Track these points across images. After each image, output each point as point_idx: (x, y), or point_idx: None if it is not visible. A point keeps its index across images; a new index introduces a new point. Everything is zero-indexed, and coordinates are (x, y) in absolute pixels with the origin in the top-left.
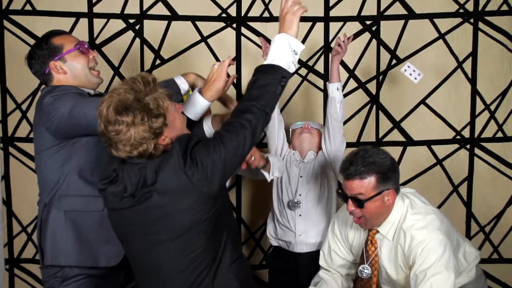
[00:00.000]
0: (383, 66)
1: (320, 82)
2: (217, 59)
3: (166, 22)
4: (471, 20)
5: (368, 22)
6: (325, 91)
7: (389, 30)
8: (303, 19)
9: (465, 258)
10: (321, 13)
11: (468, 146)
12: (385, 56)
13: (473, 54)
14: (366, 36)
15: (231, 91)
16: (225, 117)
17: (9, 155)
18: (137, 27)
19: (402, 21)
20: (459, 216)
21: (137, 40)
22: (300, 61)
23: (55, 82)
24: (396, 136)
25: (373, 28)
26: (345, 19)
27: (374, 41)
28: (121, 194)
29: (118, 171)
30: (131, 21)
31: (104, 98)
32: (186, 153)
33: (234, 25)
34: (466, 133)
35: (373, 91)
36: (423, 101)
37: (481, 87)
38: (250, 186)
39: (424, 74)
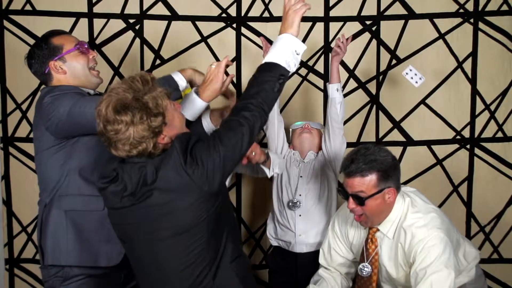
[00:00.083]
0: (383, 66)
1: (320, 82)
2: (217, 59)
3: (166, 22)
4: (471, 20)
5: (368, 22)
6: (325, 91)
7: (389, 30)
8: (303, 19)
9: (465, 258)
10: (321, 13)
11: (468, 146)
12: (385, 56)
13: (473, 54)
14: (366, 36)
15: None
16: (223, 110)
17: (9, 155)
18: (137, 27)
19: (402, 21)
20: (459, 216)
21: (137, 40)
22: (300, 61)
23: (55, 82)
24: (396, 136)
25: (373, 28)
26: (345, 19)
27: (374, 41)
28: (121, 193)
29: (118, 170)
30: (131, 21)
31: (103, 98)
32: (187, 152)
33: (234, 25)
34: (466, 133)
35: (373, 91)
36: (423, 101)
37: (481, 87)
38: (250, 186)
39: (424, 75)
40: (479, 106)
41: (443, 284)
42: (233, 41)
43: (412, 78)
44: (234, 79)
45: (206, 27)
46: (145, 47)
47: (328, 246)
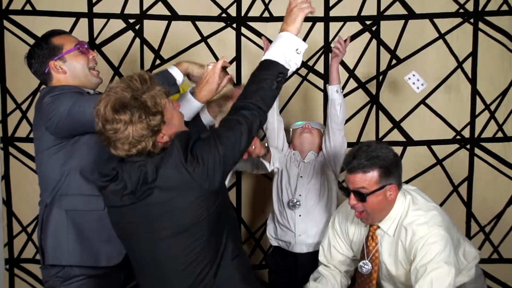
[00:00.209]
0: (383, 66)
1: (320, 82)
2: (217, 59)
3: (166, 22)
4: (471, 20)
5: (368, 22)
6: (325, 91)
7: (389, 30)
8: (303, 19)
9: (465, 257)
10: (321, 13)
11: (468, 146)
12: (385, 56)
13: (473, 54)
14: (366, 36)
15: None
16: (220, 100)
17: (9, 155)
18: (137, 27)
19: (402, 21)
20: (459, 216)
21: (137, 40)
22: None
23: (55, 81)
24: (396, 136)
25: (373, 28)
26: (345, 19)
27: (374, 41)
28: (121, 191)
29: (118, 169)
30: (131, 21)
31: (102, 97)
32: (187, 149)
33: (234, 25)
34: (466, 133)
35: (373, 91)
36: (423, 101)
37: (481, 87)
38: (250, 186)
39: (424, 75)
40: (479, 106)
41: (443, 280)
42: (233, 41)
43: (414, 83)
44: (234, 79)
45: (206, 27)
46: (145, 47)
47: (328, 244)
